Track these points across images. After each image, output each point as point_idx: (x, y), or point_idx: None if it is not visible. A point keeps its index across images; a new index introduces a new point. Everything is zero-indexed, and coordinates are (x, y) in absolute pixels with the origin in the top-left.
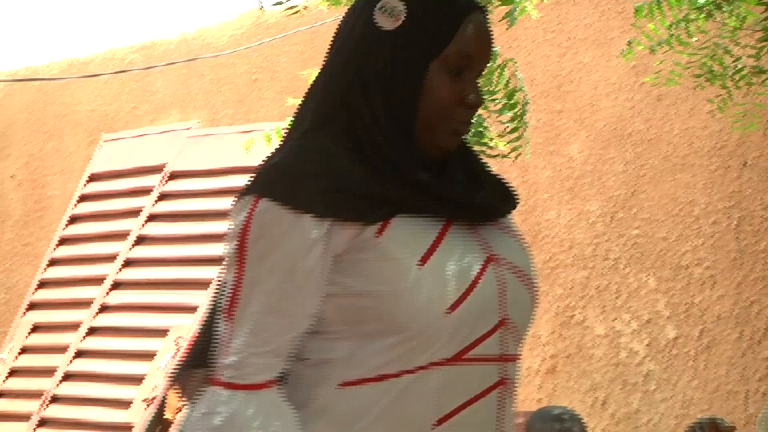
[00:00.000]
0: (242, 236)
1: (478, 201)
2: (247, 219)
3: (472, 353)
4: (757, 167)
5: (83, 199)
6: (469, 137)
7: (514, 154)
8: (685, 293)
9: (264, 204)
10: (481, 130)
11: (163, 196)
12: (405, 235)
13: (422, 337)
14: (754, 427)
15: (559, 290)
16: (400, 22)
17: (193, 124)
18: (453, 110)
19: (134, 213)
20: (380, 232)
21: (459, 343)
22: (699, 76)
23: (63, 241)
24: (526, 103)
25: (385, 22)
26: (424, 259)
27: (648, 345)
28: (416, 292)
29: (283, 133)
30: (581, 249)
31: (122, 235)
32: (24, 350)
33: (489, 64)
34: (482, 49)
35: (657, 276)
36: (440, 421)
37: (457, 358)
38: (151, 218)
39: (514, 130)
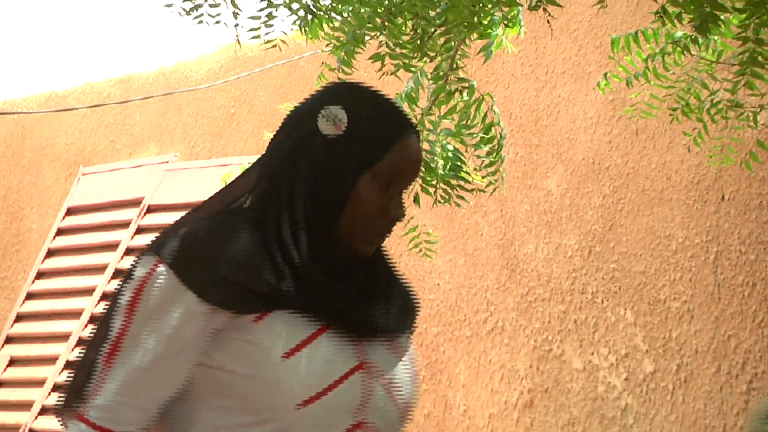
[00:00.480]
0: (138, 292)
1: (360, 316)
2: (145, 278)
3: None
4: (734, 201)
5: (61, 232)
6: (446, 171)
7: (490, 188)
8: (663, 327)
9: (162, 269)
10: (458, 164)
11: (141, 230)
12: (279, 328)
13: (274, 424)
14: None
15: (537, 324)
16: (340, 131)
17: (171, 158)
18: (376, 221)
19: (112, 246)
20: (258, 319)
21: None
22: (675, 109)
23: (40, 275)
24: (503, 138)
25: (326, 128)
26: (289, 353)
27: (626, 379)
28: (274, 382)
29: None
30: (559, 283)
31: (100, 269)
32: (1, 384)
33: (466, 99)
34: (411, 168)
35: (635, 310)
36: None
37: None
38: (129, 251)
39: (491, 164)
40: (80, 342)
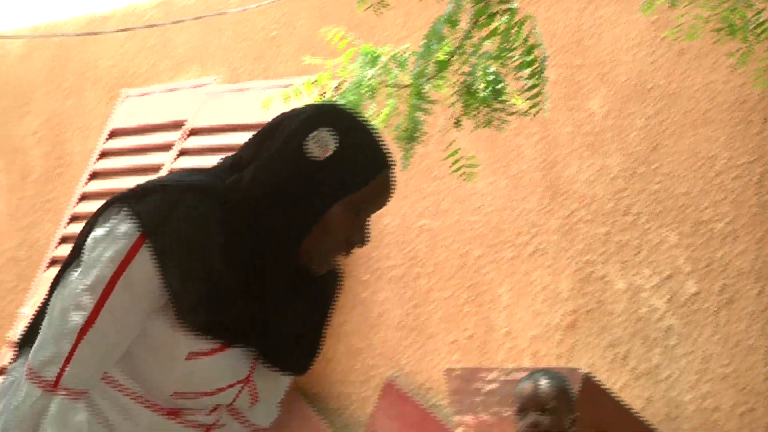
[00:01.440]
0: (120, 270)
1: (269, 350)
2: (129, 255)
3: (184, 417)
4: None
5: (104, 155)
6: (487, 95)
7: (533, 111)
8: (706, 248)
9: (148, 254)
10: (499, 87)
11: (183, 152)
12: (196, 336)
13: (151, 391)
14: None
15: (580, 246)
16: (326, 156)
17: (212, 80)
18: (338, 245)
19: (154, 169)
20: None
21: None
22: (719, 30)
23: (84, 197)
24: (544, 60)
25: (313, 150)
26: (191, 356)
27: (668, 300)
28: (168, 371)
29: (300, 90)
30: (602, 204)
31: None
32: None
33: (507, 21)
34: (383, 201)
35: (678, 231)
36: None
37: (172, 416)
38: None
39: (532, 86)
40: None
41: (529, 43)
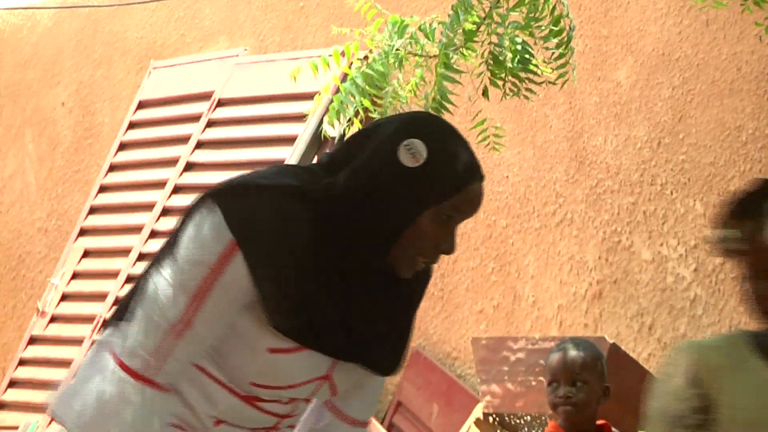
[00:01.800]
0: (215, 273)
1: (347, 351)
2: (224, 260)
3: (262, 406)
4: None
5: (132, 125)
6: (514, 64)
7: (560, 81)
8: None
9: (241, 263)
10: (527, 57)
11: (211, 123)
12: (281, 335)
13: (231, 378)
14: None
15: (606, 216)
16: (418, 164)
17: (240, 51)
18: (426, 252)
19: (183, 140)
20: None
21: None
22: None
23: (113, 168)
24: (572, 30)
25: (405, 158)
26: (273, 350)
27: (695, 270)
28: (250, 362)
29: (328, 61)
30: (628, 174)
31: (171, 162)
32: (75, 275)
33: None
34: (473, 210)
35: (704, 201)
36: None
37: (250, 402)
38: (200, 145)
39: (560, 56)
40: (153, 234)
41: (557, 13)
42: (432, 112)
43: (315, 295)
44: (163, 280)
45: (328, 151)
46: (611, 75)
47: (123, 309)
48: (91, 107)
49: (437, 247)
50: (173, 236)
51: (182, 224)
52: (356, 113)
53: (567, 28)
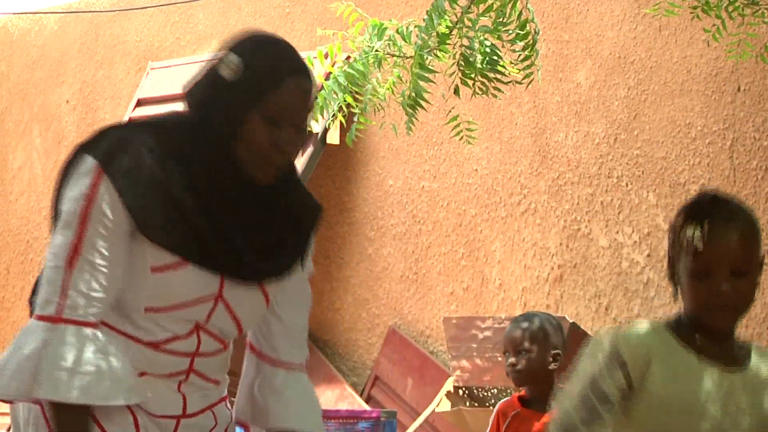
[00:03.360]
0: (88, 201)
1: (230, 260)
2: (92, 188)
3: (164, 347)
4: (749, 92)
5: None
6: (483, 65)
7: (526, 81)
8: None
9: (106, 185)
10: (495, 58)
11: None
12: (159, 249)
13: (130, 320)
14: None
15: (567, 205)
16: (235, 74)
17: None
18: (265, 152)
19: None
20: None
21: (152, 337)
22: (696, 7)
23: None
24: (537, 33)
25: (224, 71)
26: (157, 269)
27: (648, 255)
28: (140, 287)
29: (312, 62)
30: (587, 168)
31: None
32: None
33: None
34: (295, 106)
35: (657, 192)
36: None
37: (152, 346)
38: None
39: (526, 58)
40: None
41: (523, 18)
42: (268, 33)
43: (178, 203)
44: (54, 235)
45: (311, 146)
46: (572, 76)
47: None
48: (93, 105)
49: (273, 142)
50: (55, 195)
51: (60, 181)
52: (339, 109)
53: (532, 32)
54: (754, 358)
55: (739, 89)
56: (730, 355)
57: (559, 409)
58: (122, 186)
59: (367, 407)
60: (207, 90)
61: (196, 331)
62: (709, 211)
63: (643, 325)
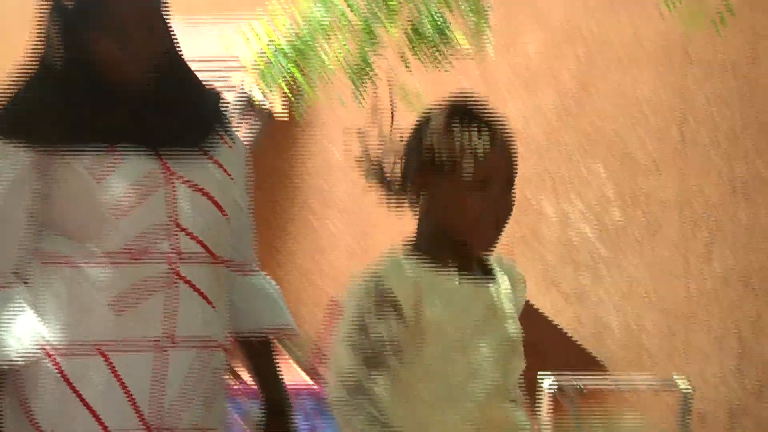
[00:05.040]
0: None
1: (152, 129)
2: None
3: (140, 260)
4: (700, 64)
5: None
6: (435, 38)
7: (476, 52)
8: (632, 181)
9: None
10: (447, 31)
11: None
12: (91, 158)
13: (96, 239)
14: (693, 305)
15: (516, 179)
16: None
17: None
18: (118, 61)
19: None
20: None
21: (128, 243)
22: None
23: None
24: (489, 7)
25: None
26: (98, 179)
27: (597, 228)
28: (92, 204)
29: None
30: (536, 140)
31: None
32: None
33: None
34: (128, 10)
35: (605, 165)
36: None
37: (127, 263)
38: None
39: (477, 30)
40: None
41: None
42: None
43: (71, 90)
44: None
45: (256, 119)
46: (521, 48)
47: None
48: None
49: (123, 45)
50: None
51: None
52: (284, 80)
53: (484, 5)
54: (495, 267)
55: (690, 61)
56: (481, 268)
57: (336, 370)
58: (15, 130)
59: (311, 383)
60: (54, 18)
61: (170, 225)
62: (481, 116)
63: (398, 260)
